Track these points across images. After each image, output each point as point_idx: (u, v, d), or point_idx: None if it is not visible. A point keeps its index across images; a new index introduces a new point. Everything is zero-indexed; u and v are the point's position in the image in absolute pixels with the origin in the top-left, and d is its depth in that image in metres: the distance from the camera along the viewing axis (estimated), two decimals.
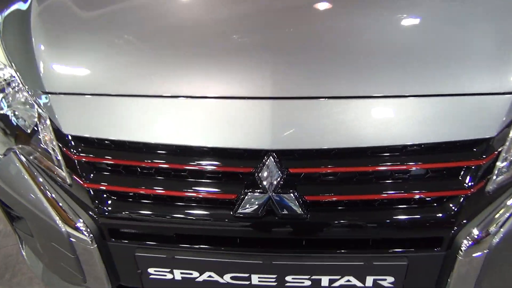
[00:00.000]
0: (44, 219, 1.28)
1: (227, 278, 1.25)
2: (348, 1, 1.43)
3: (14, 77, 1.40)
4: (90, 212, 1.26)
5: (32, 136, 1.36)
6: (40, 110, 1.29)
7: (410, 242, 1.20)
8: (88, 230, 1.24)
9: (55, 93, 1.26)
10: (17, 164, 1.33)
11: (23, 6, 1.59)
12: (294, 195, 1.13)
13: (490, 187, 1.17)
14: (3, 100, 1.43)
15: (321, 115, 1.12)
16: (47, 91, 1.27)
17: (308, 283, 1.23)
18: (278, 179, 1.12)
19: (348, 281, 1.21)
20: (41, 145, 1.32)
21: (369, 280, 1.20)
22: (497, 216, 1.16)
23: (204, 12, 1.44)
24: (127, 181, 1.22)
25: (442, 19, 1.33)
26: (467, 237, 1.15)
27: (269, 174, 1.13)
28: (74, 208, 1.27)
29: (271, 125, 1.09)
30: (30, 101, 1.35)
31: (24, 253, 1.67)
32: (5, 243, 2.36)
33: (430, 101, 1.13)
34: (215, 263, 1.25)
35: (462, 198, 1.14)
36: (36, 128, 1.33)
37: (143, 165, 1.19)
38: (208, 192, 1.17)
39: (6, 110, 1.43)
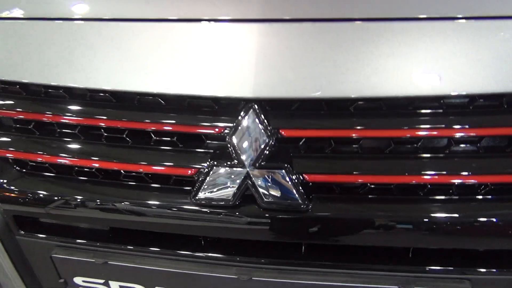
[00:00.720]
0: None
1: None
2: None
3: None
4: None
5: None
6: None
7: (474, 256, 0.96)
8: None
9: None
10: None
11: None
12: (287, 173, 0.90)
13: None
14: None
15: (332, 46, 0.88)
16: None
17: None
18: (263, 146, 0.89)
19: None
20: None
21: None
22: None
23: None
24: (39, 145, 1.02)
25: None
26: None
27: (248, 138, 0.90)
28: None
29: (253, 61, 0.88)
30: None
31: None
32: None
33: None
34: (168, 275, 1.02)
35: None
36: None
37: (63, 120, 0.99)
38: (155, 164, 0.96)
39: None
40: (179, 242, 1.03)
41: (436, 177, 0.88)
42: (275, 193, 0.90)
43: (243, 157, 0.89)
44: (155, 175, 0.98)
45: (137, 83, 0.93)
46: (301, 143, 0.92)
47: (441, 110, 0.88)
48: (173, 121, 0.93)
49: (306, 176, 0.90)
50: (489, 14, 0.89)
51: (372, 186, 0.91)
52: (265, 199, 0.90)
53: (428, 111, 0.88)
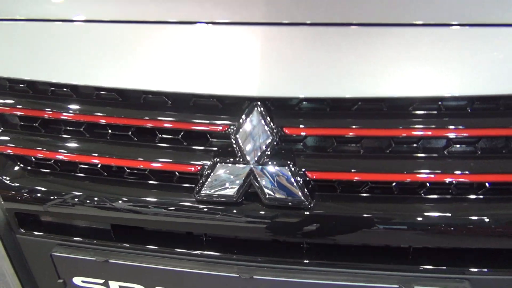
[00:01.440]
0: None
1: None
2: None
3: None
4: None
5: None
6: None
7: (474, 256, 0.95)
8: None
9: None
10: None
11: None
12: (290, 170, 0.90)
13: None
14: None
15: (334, 48, 0.89)
16: None
17: None
18: (266, 144, 0.89)
19: None
20: None
21: None
22: None
23: None
24: (43, 141, 1.01)
25: None
26: None
27: (253, 136, 0.90)
28: None
29: (258, 61, 0.88)
30: None
31: None
32: None
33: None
34: (169, 274, 1.00)
35: None
36: None
37: (67, 117, 0.99)
38: (159, 161, 0.95)
39: None
40: (181, 240, 1.02)
41: (436, 176, 0.88)
42: (278, 190, 0.90)
43: (247, 155, 0.89)
44: (160, 172, 0.97)
45: (143, 82, 0.93)
46: (304, 141, 0.91)
47: (441, 111, 0.87)
48: (179, 119, 0.92)
49: (308, 174, 0.89)
50: (486, 22, 0.89)
51: (373, 184, 0.90)
52: (268, 196, 0.90)
53: (428, 112, 0.87)
